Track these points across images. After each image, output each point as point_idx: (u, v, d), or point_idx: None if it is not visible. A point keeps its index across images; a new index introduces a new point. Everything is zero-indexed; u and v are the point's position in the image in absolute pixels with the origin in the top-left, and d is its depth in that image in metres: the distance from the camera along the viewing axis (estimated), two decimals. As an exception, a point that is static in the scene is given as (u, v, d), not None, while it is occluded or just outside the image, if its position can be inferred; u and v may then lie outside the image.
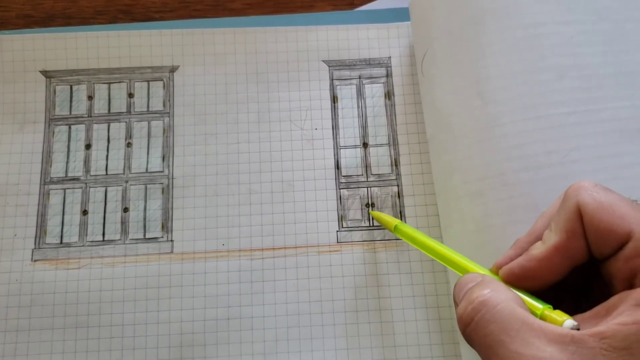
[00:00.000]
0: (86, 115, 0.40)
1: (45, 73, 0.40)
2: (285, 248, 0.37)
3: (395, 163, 0.39)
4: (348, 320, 0.35)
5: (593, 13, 0.34)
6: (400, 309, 0.36)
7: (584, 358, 0.22)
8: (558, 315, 0.25)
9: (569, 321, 0.24)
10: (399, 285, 0.36)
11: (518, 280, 0.26)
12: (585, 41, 0.33)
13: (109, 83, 0.40)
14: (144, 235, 0.37)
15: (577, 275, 0.26)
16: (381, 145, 0.39)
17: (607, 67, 0.33)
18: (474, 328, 0.24)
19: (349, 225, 0.38)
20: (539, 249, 0.26)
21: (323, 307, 0.36)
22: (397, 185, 0.38)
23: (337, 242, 0.37)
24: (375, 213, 0.37)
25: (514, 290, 0.26)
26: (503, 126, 0.32)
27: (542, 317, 0.25)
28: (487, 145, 0.33)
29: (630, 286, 0.23)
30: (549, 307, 0.25)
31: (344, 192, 0.38)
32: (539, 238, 0.27)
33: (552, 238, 0.26)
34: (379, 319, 0.35)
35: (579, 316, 0.24)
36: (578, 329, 0.23)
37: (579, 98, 0.32)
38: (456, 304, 0.27)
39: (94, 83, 0.40)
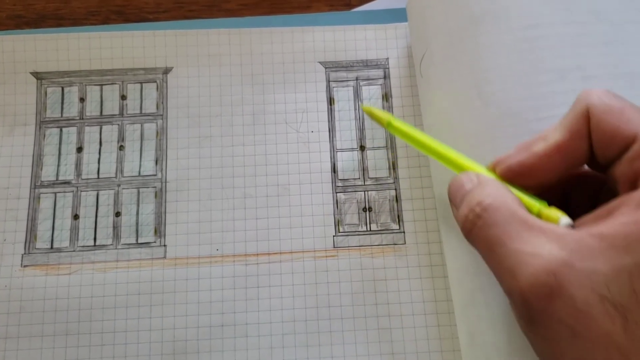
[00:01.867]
0: (78, 118, 0.39)
1: (36, 74, 0.40)
2: (280, 253, 0.36)
3: (393, 166, 0.38)
4: (345, 327, 0.35)
5: (592, 14, 0.34)
6: (399, 315, 0.35)
7: (582, 256, 0.22)
8: (554, 212, 0.25)
9: (564, 218, 0.25)
10: (397, 292, 0.35)
11: (515, 177, 0.26)
12: (585, 42, 0.33)
13: (101, 85, 0.39)
14: (137, 240, 0.37)
15: (582, 192, 0.26)
16: (378, 148, 0.39)
17: (608, 69, 0.32)
18: (476, 233, 0.25)
19: (346, 230, 0.37)
20: (539, 146, 0.26)
21: (319, 313, 0.35)
22: (395, 189, 0.38)
23: (334, 247, 0.36)
24: (366, 107, 0.34)
25: (511, 189, 0.26)
26: (504, 128, 0.32)
27: (538, 215, 0.25)
28: (489, 147, 0.32)
29: (634, 189, 0.23)
30: (545, 204, 0.26)
31: (341, 196, 0.38)
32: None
33: (554, 136, 0.26)
34: (377, 326, 0.35)
35: (581, 219, 0.24)
36: (573, 227, 0.24)
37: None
38: (453, 205, 0.28)
39: (85, 85, 0.39)
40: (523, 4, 0.34)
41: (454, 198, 0.28)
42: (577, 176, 0.28)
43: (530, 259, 0.23)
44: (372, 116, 0.33)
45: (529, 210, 0.25)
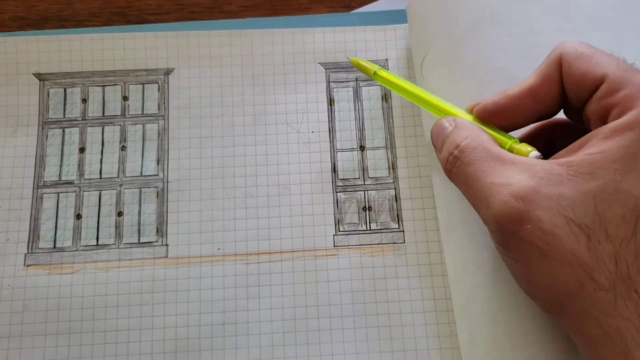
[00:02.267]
0: (80, 119, 0.39)
1: (38, 76, 0.40)
2: (281, 252, 0.37)
3: (393, 166, 0.38)
4: (345, 326, 0.35)
5: (590, 21, 0.35)
6: (398, 313, 0.35)
7: (550, 182, 0.24)
8: (524, 147, 0.27)
9: (533, 152, 0.27)
10: (397, 290, 0.36)
11: (490, 117, 0.29)
12: None
13: (104, 86, 0.40)
14: (139, 239, 0.37)
15: (566, 141, 0.27)
16: (378, 148, 0.39)
17: None
18: (455, 172, 0.28)
19: (346, 229, 0.37)
20: (513, 89, 0.29)
21: (320, 312, 0.35)
22: (394, 189, 0.38)
23: (334, 246, 0.37)
24: (353, 59, 0.37)
25: (485, 129, 0.29)
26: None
27: (510, 150, 0.28)
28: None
29: (604, 124, 0.25)
30: (516, 141, 0.28)
31: (341, 195, 0.38)
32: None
33: (528, 81, 0.28)
34: (376, 324, 0.35)
35: (556, 155, 0.27)
36: (542, 159, 0.26)
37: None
38: (436, 148, 0.31)
39: (88, 86, 0.40)
40: (522, 10, 0.35)
41: (436, 141, 0.30)
42: (560, 126, 0.30)
43: (502, 188, 0.25)
44: (359, 67, 0.36)
45: (502, 146, 0.28)
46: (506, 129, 0.29)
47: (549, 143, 0.30)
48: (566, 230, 0.23)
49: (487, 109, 0.29)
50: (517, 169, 0.25)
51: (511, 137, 0.28)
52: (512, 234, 0.24)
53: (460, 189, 0.28)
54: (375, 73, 0.35)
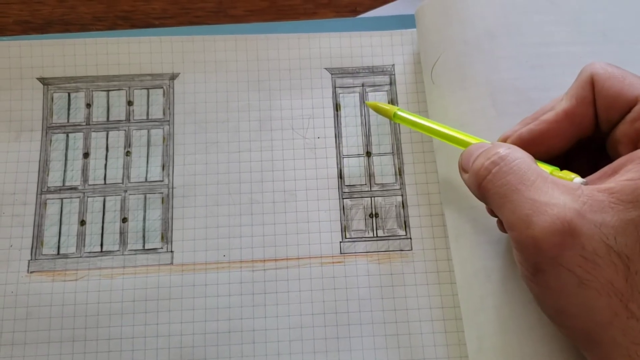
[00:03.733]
0: (84, 124, 0.39)
1: (42, 80, 0.40)
2: (287, 259, 0.36)
3: (399, 172, 0.38)
4: (352, 334, 0.35)
5: (601, 34, 0.35)
6: (406, 322, 0.35)
7: (593, 208, 0.23)
8: (566, 174, 0.26)
9: (577, 178, 0.26)
10: (404, 298, 0.35)
11: (526, 145, 0.27)
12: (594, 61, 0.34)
13: (108, 90, 0.40)
14: (143, 246, 0.37)
15: (582, 159, 0.27)
16: (385, 154, 0.39)
17: None
18: (490, 179, 0.25)
19: (353, 236, 0.37)
20: (548, 114, 0.28)
21: (326, 320, 0.35)
22: (401, 195, 0.38)
23: (341, 253, 0.36)
24: (371, 103, 0.36)
25: None
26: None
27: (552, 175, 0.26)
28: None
29: (636, 147, 0.25)
30: (557, 169, 0.27)
31: (347, 202, 0.38)
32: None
33: (562, 104, 0.27)
34: (384, 333, 0.35)
35: (587, 178, 0.26)
36: (586, 184, 0.25)
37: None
38: (462, 171, 0.29)
39: (92, 90, 0.40)
40: (534, 22, 0.35)
41: (465, 162, 0.29)
42: (577, 144, 0.29)
43: (546, 208, 0.23)
44: (378, 110, 0.36)
45: None
46: (542, 156, 0.28)
47: (565, 159, 0.29)
48: (606, 259, 0.23)
49: (524, 138, 0.28)
50: (559, 190, 0.24)
51: (551, 166, 0.27)
52: (551, 259, 0.23)
53: (492, 200, 0.26)
54: (395, 114, 0.34)
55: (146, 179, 0.38)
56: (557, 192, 0.24)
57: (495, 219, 0.31)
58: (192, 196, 0.37)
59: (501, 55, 0.35)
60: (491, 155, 0.26)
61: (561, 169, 0.27)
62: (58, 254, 0.36)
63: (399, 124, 0.39)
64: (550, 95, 0.33)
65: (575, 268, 0.23)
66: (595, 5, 0.36)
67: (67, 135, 0.39)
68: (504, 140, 0.28)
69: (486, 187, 0.26)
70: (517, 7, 0.36)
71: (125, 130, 0.39)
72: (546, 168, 0.27)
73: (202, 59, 0.40)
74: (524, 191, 0.24)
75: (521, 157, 0.25)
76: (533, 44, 0.35)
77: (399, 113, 0.34)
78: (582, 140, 0.28)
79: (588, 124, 0.27)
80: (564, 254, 0.23)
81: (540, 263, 0.24)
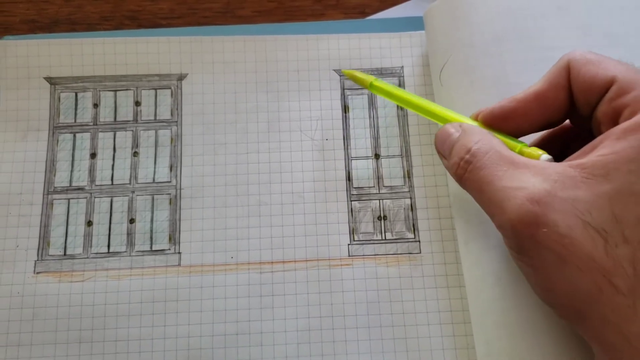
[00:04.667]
0: (91, 124, 0.39)
1: (49, 80, 0.39)
2: (295, 261, 0.36)
3: (408, 175, 0.38)
4: (360, 337, 0.35)
5: (608, 38, 0.35)
6: (414, 325, 0.35)
7: (565, 185, 0.24)
8: (534, 150, 0.27)
9: (544, 155, 0.27)
10: (412, 301, 0.35)
11: (497, 121, 0.29)
12: None
13: (115, 90, 0.39)
14: (151, 247, 0.36)
15: (579, 146, 0.27)
16: (393, 156, 0.38)
17: None
18: (467, 177, 0.27)
19: (361, 239, 0.37)
20: (520, 94, 0.29)
21: (334, 322, 0.35)
22: (410, 198, 0.38)
23: (349, 256, 0.36)
24: (347, 71, 0.37)
25: (494, 134, 0.28)
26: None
27: (520, 153, 0.28)
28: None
29: (615, 126, 0.25)
30: (525, 144, 0.28)
31: (356, 204, 0.37)
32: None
33: (534, 86, 0.29)
34: (392, 336, 0.35)
35: (568, 157, 0.26)
36: (553, 162, 0.26)
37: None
38: (442, 156, 0.30)
39: (99, 90, 0.39)
40: (544, 26, 0.35)
41: (442, 148, 0.30)
42: (572, 133, 0.30)
43: (516, 192, 0.24)
44: (354, 79, 0.36)
45: (511, 150, 0.27)
46: (513, 134, 0.29)
47: (562, 150, 0.30)
48: (583, 233, 0.23)
49: (495, 114, 0.29)
50: (530, 172, 0.25)
51: (520, 141, 0.29)
52: (529, 239, 0.24)
53: (472, 195, 0.28)
54: (371, 84, 0.35)
55: (154, 179, 0.38)
56: (527, 175, 0.25)
57: None
58: (200, 197, 0.37)
59: (509, 58, 0.35)
60: (463, 153, 0.28)
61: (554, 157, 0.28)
62: (65, 254, 0.36)
63: (407, 125, 0.39)
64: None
65: (552, 245, 0.23)
66: (603, 10, 0.36)
67: (74, 135, 0.38)
68: (477, 115, 0.30)
69: (464, 184, 0.28)
70: (525, 11, 0.36)
71: (132, 130, 0.39)
72: (515, 144, 0.28)
73: (210, 60, 0.40)
74: (497, 182, 0.25)
75: (491, 148, 0.27)
76: (540, 47, 0.35)
77: (375, 83, 0.35)
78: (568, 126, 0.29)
79: (558, 108, 0.28)
80: (539, 232, 0.23)
81: (521, 244, 0.25)
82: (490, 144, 0.27)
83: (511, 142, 0.28)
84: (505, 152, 0.27)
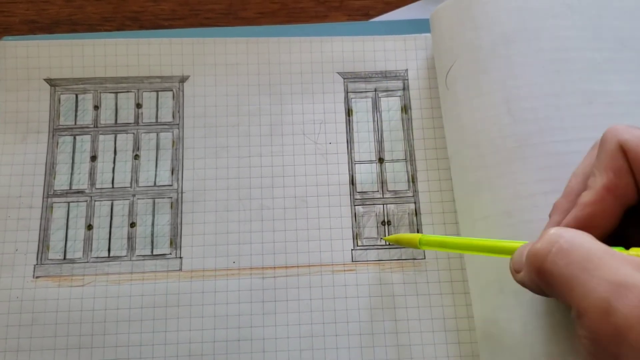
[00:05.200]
0: (92, 126, 0.38)
1: (49, 81, 0.39)
2: (298, 267, 0.36)
3: (412, 179, 0.38)
4: (363, 344, 0.34)
5: (619, 41, 0.34)
6: (418, 332, 0.34)
7: None
8: (635, 250, 0.23)
9: None
10: (417, 307, 0.35)
11: None
12: (612, 69, 0.33)
13: (116, 92, 0.39)
14: (152, 251, 0.36)
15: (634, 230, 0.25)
16: (397, 160, 0.38)
17: (634, 96, 0.33)
18: (552, 260, 0.23)
19: (364, 244, 0.36)
20: (588, 196, 0.25)
21: (337, 329, 0.34)
22: (414, 203, 0.37)
23: (352, 261, 0.36)
24: (391, 238, 0.34)
25: None
26: (534, 146, 0.31)
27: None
28: (518, 165, 0.32)
29: None
30: (623, 249, 0.24)
31: (359, 209, 0.37)
32: (576, 197, 0.26)
33: (598, 181, 0.25)
34: (396, 342, 0.34)
35: None
36: None
37: (607, 124, 0.31)
38: (516, 271, 0.26)
39: (100, 92, 0.39)
40: (552, 27, 0.34)
41: (517, 261, 0.26)
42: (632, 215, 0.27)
43: (626, 291, 0.20)
44: (400, 243, 0.33)
45: None
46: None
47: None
48: None
49: (571, 227, 0.25)
50: (630, 266, 0.21)
51: (616, 247, 0.24)
52: (637, 351, 0.20)
53: (555, 285, 0.23)
54: (420, 241, 0.31)
55: (155, 183, 0.37)
56: (632, 270, 0.21)
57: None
58: (202, 201, 0.37)
59: (517, 60, 0.34)
60: (547, 235, 0.23)
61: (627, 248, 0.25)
62: (64, 258, 0.36)
63: (411, 129, 0.38)
64: (565, 102, 0.32)
65: None
66: (613, 12, 0.35)
67: (75, 138, 0.38)
68: None
69: (548, 269, 0.23)
70: (534, 12, 0.35)
71: (133, 133, 0.38)
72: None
73: (212, 62, 0.39)
74: (594, 270, 0.21)
75: (580, 235, 0.23)
76: (549, 49, 0.34)
77: (425, 238, 0.31)
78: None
79: (631, 194, 0.25)
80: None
81: (622, 355, 0.21)
82: (580, 232, 0.23)
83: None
84: (597, 241, 0.23)
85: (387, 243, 0.36)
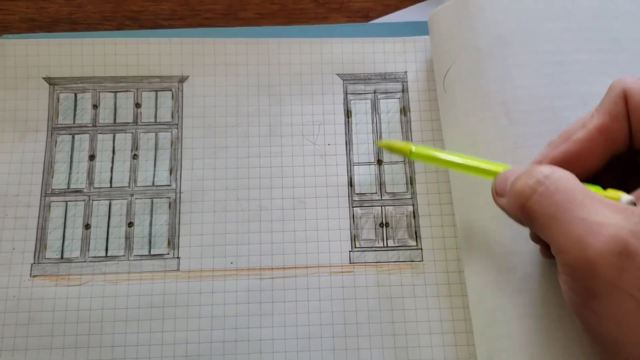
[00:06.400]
0: (90, 125, 0.38)
1: (48, 80, 0.39)
2: (295, 268, 0.36)
3: (411, 181, 0.38)
4: (360, 345, 0.34)
5: (615, 43, 0.34)
6: (415, 334, 0.34)
7: None
8: (613, 193, 0.25)
9: (625, 196, 0.24)
10: (414, 309, 0.35)
11: (561, 167, 0.25)
12: (607, 71, 0.33)
13: (115, 92, 0.39)
14: (149, 251, 0.36)
15: (613, 177, 0.26)
16: (396, 162, 0.38)
17: None
18: (537, 199, 0.24)
19: (362, 246, 0.36)
20: (580, 133, 0.26)
21: (335, 330, 0.34)
22: (412, 205, 0.37)
23: (350, 263, 0.36)
24: (383, 143, 0.32)
25: None
26: (530, 148, 0.31)
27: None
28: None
29: None
30: (600, 188, 0.26)
31: (357, 210, 0.37)
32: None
33: (594, 121, 0.26)
34: (393, 345, 0.34)
35: (633, 193, 0.24)
36: (634, 204, 0.24)
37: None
38: (498, 195, 0.27)
39: (99, 91, 0.39)
40: (548, 28, 0.34)
41: (500, 186, 0.27)
42: (627, 164, 0.28)
43: (600, 228, 0.22)
44: (391, 149, 0.32)
45: None
46: (580, 176, 0.26)
47: (619, 185, 0.28)
48: None
49: (558, 160, 0.26)
50: (609, 208, 0.22)
51: (593, 185, 0.26)
52: (608, 283, 0.22)
53: (537, 222, 0.24)
54: (411, 152, 0.31)
55: (153, 183, 0.37)
56: (608, 212, 0.22)
57: (537, 244, 0.30)
58: (200, 201, 0.37)
59: (514, 62, 0.34)
60: (535, 174, 0.24)
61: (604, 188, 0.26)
62: (62, 258, 0.36)
63: (410, 131, 0.38)
64: (561, 104, 0.33)
65: (634, 291, 0.21)
66: (610, 13, 0.35)
67: (73, 137, 0.38)
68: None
69: (532, 207, 0.24)
70: (531, 14, 0.35)
71: (132, 132, 0.38)
72: (590, 188, 0.25)
73: (212, 62, 0.39)
74: (574, 210, 0.23)
75: (566, 176, 0.24)
76: (546, 51, 0.34)
77: (415, 149, 0.31)
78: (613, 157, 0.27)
79: (623, 139, 0.26)
80: (622, 276, 0.21)
81: (596, 287, 0.22)
82: (564, 172, 0.24)
83: (587, 186, 0.25)
84: (579, 183, 0.24)
85: (385, 235, 0.36)
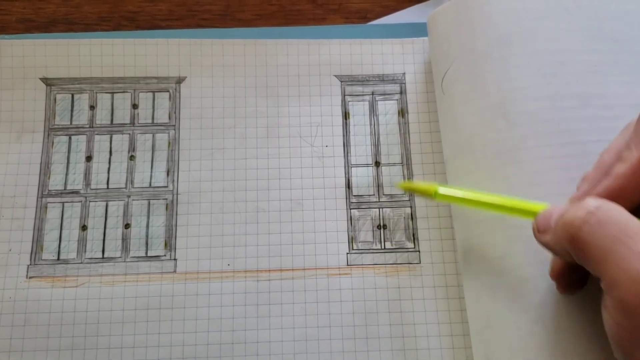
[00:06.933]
0: (87, 126, 0.38)
1: (45, 80, 0.39)
2: (293, 270, 0.36)
3: (409, 183, 0.37)
4: (358, 348, 0.34)
5: (615, 43, 0.34)
6: (413, 336, 0.34)
7: None
8: None
9: None
10: (412, 312, 0.35)
11: None
12: (607, 71, 0.33)
13: (112, 93, 0.39)
14: (146, 253, 0.36)
15: None
16: (394, 164, 0.38)
17: (630, 98, 0.33)
18: (588, 230, 0.23)
19: (360, 248, 0.36)
20: (622, 167, 0.25)
21: (332, 333, 0.34)
22: (410, 207, 0.37)
23: (347, 265, 0.36)
24: (403, 184, 0.34)
25: None
26: (528, 150, 0.31)
27: None
28: (512, 168, 0.32)
29: None
30: None
31: (355, 212, 0.37)
32: (607, 169, 0.26)
33: (634, 154, 0.25)
34: (390, 347, 0.34)
35: None
36: None
37: (603, 127, 0.31)
38: (540, 232, 0.26)
39: (96, 92, 0.39)
40: (548, 28, 0.34)
41: (544, 224, 0.26)
42: None
43: None
44: (414, 191, 0.32)
45: None
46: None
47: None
48: None
49: (602, 197, 0.25)
50: None
51: None
52: None
53: (589, 254, 0.23)
54: (436, 193, 0.30)
55: (150, 184, 0.37)
56: None
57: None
58: (197, 203, 0.37)
59: (513, 63, 0.34)
60: (584, 205, 0.23)
61: None
62: (58, 259, 0.35)
63: (408, 133, 0.38)
64: (561, 105, 0.32)
65: None
66: (609, 14, 0.35)
67: (70, 138, 0.38)
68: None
69: (583, 238, 0.23)
70: (531, 14, 0.35)
71: (129, 133, 0.38)
72: None
73: (209, 63, 0.39)
74: (631, 244, 0.21)
75: (616, 208, 0.23)
76: (545, 51, 0.34)
77: (441, 191, 0.30)
78: None
79: None
80: None
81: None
82: (614, 204, 0.23)
83: None
84: (631, 215, 0.23)
85: (383, 239, 0.36)
